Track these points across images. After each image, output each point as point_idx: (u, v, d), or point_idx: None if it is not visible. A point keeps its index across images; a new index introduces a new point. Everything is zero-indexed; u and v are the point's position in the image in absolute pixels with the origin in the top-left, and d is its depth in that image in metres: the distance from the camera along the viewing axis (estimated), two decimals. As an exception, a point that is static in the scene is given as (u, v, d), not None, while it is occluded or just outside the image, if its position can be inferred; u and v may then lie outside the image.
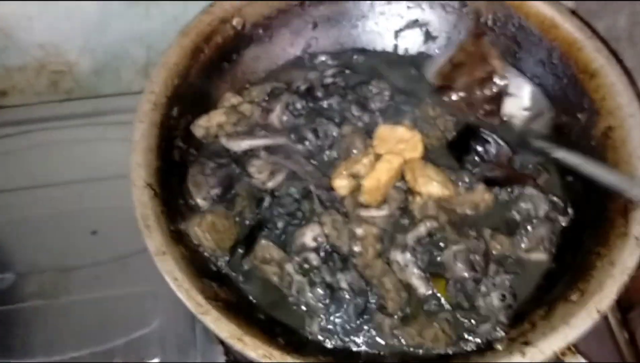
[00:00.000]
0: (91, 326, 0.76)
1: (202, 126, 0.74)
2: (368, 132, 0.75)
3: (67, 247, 0.82)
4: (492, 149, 0.73)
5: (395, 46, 0.86)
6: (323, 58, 0.84)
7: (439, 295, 0.65)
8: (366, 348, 0.63)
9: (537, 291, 0.67)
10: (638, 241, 0.60)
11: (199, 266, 0.63)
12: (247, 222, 0.70)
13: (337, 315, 0.64)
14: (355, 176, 0.70)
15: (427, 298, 0.65)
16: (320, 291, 0.64)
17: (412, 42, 0.85)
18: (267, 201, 0.70)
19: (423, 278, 0.66)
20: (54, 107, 0.97)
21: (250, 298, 0.66)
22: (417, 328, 0.63)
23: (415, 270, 0.66)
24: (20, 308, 0.77)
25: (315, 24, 0.83)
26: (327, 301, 0.64)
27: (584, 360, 0.59)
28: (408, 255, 0.66)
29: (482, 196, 0.71)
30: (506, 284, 0.65)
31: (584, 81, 0.73)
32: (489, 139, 0.73)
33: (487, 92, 0.77)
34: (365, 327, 0.64)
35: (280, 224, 0.69)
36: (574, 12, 0.79)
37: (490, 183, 0.72)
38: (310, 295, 0.64)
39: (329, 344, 0.64)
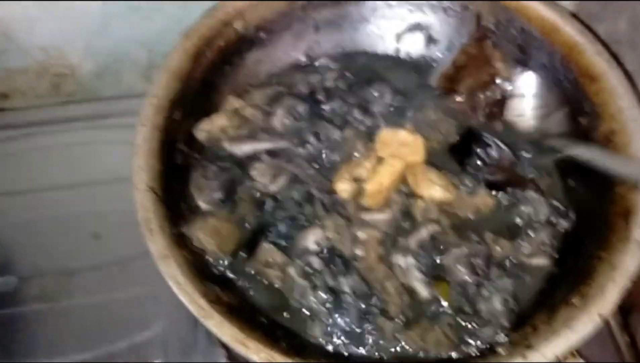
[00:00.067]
0: (93, 329, 0.76)
1: (205, 129, 0.75)
2: (370, 136, 0.75)
3: (69, 250, 0.82)
4: (494, 152, 0.73)
5: (397, 49, 0.86)
6: (325, 61, 0.84)
7: (441, 298, 0.66)
8: (368, 352, 0.64)
9: (539, 295, 0.67)
10: (639, 245, 0.61)
11: (201, 270, 0.63)
12: (250, 225, 0.70)
13: (340, 318, 0.64)
14: (357, 180, 0.70)
15: (429, 301, 0.65)
16: (322, 295, 0.64)
17: (413, 46, 0.85)
18: (269, 204, 0.70)
19: (425, 281, 0.66)
20: (56, 110, 0.97)
21: (253, 301, 0.66)
22: (419, 332, 0.63)
23: (418, 274, 0.66)
24: (22, 311, 0.77)
25: (317, 27, 0.83)
26: (330, 305, 0.64)
27: (585, 363, 0.59)
28: (410, 259, 0.66)
29: (484, 199, 0.71)
30: (508, 288, 0.65)
31: (585, 84, 0.73)
32: (491, 142, 0.73)
33: (491, 95, 0.77)
34: (368, 331, 0.64)
35: (282, 228, 0.69)
36: (574, 16, 0.80)
37: (492, 186, 0.72)
38: (312, 298, 0.65)
39: (331, 348, 0.64)
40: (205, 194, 0.70)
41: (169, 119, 0.70)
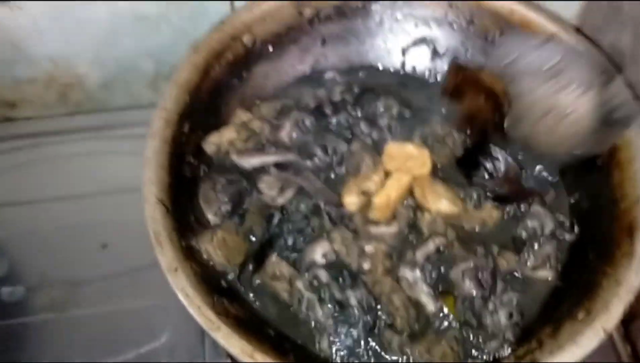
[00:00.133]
0: (101, 339, 0.76)
1: (213, 142, 0.75)
2: (377, 149, 0.76)
3: (77, 260, 0.82)
4: (501, 165, 0.74)
5: (403, 63, 0.87)
6: (331, 75, 0.84)
7: (447, 312, 0.66)
8: (376, 366, 0.64)
9: (543, 309, 0.67)
10: (644, 261, 0.61)
11: (209, 282, 0.64)
12: (257, 238, 0.70)
13: (347, 331, 0.64)
14: (365, 193, 0.71)
15: (436, 315, 0.66)
16: (330, 308, 0.65)
17: (419, 59, 0.86)
18: (277, 217, 0.70)
19: (432, 295, 0.66)
20: (64, 121, 0.98)
21: (260, 314, 0.67)
22: (426, 346, 0.64)
23: (424, 287, 0.66)
24: (30, 321, 0.78)
25: (324, 41, 0.84)
26: (337, 318, 0.65)
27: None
28: (417, 272, 0.67)
29: (490, 212, 0.72)
30: (513, 302, 0.66)
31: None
32: (498, 155, 0.74)
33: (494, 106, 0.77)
34: (374, 344, 0.64)
35: (290, 241, 0.69)
36: (578, 30, 0.81)
37: (498, 199, 0.73)
38: (320, 311, 0.65)
39: (338, 360, 0.64)
40: (213, 207, 0.71)
41: (178, 132, 0.71)
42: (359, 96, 0.80)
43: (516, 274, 0.69)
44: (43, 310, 0.78)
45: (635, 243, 0.63)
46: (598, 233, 0.69)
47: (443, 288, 0.67)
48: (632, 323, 0.80)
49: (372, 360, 0.64)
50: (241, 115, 0.79)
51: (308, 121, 0.77)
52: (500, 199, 0.73)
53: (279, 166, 0.74)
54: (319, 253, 0.68)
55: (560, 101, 0.66)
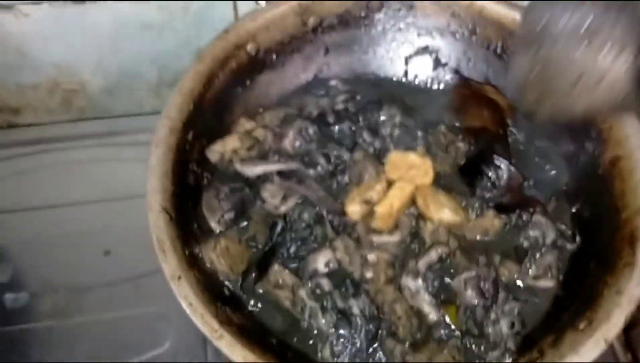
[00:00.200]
0: (104, 346, 0.76)
1: (217, 150, 0.75)
2: (379, 158, 0.76)
3: (80, 267, 0.82)
4: (504, 174, 0.74)
5: (406, 72, 0.87)
6: (334, 83, 0.85)
7: (449, 321, 0.66)
8: (377, 374, 0.64)
9: (545, 319, 0.67)
10: (645, 271, 0.61)
11: (212, 290, 0.64)
12: (260, 246, 0.71)
13: (349, 340, 0.65)
14: (368, 202, 0.71)
15: (438, 324, 0.66)
16: (332, 316, 0.65)
17: (422, 68, 0.87)
18: (279, 225, 0.71)
19: (434, 304, 0.66)
20: (67, 127, 0.98)
21: (263, 322, 0.67)
22: (428, 355, 0.64)
23: (427, 297, 0.67)
24: (33, 327, 0.78)
25: (327, 49, 0.85)
26: (339, 326, 0.65)
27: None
28: (419, 281, 0.67)
29: (492, 222, 0.72)
30: (515, 311, 0.66)
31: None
32: (501, 164, 0.74)
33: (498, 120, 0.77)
34: (377, 353, 0.65)
35: (292, 249, 0.70)
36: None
37: (500, 208, 0.73)
38: (322, 320, 0.65)
39: (340, 369, 0.64)
40: (216, 215, 0.71)
41: (182, 140, 0.71)
42: (361, 105, 0.81)
43: (518, 283, 0.69)
44: (46, 316, 0.79)
45: (637, 253, 0.63)
46: (599, 243, 0.69)
47: (445, 298, 0.68)
48: (632, 330, 0.80)
49: (375, 369, 0.64)
50: (245, 123, 0.79)
51: (311, 130, 0.77)
52: (502, 209, 0.73)
53: (282, 174, 0.74)
54: (321, 261, 0.68)
55: (594, 64, 0.59)
